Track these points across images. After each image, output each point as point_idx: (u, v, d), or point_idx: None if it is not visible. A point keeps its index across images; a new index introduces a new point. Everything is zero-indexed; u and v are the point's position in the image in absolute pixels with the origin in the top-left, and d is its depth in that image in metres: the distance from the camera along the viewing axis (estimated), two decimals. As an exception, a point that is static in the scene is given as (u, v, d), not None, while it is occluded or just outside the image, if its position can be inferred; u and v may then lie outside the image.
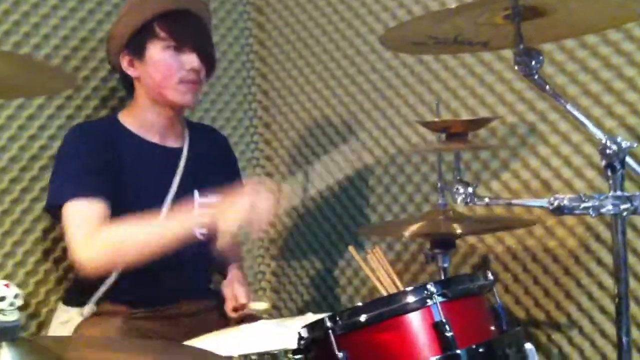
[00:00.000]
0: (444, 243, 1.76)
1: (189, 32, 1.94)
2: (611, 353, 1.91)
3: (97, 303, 1.93)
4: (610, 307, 1.91)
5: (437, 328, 1.14)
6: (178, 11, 1.94)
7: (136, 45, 1.94)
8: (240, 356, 1.43)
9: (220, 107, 2.60)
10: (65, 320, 1.97)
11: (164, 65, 1.92)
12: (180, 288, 2.00)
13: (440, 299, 1.15)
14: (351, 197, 2.44)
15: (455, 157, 1.73)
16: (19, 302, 1.01)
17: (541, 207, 1.49)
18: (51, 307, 2.10)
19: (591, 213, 1.38)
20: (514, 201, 1.61)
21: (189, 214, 1.88)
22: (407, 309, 1.16)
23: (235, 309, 1.97)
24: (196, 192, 2.02)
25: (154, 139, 2.01)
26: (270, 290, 2.76)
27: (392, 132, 2.31)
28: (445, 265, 1.80)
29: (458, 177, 1.65)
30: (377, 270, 2.08)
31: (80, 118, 2.19)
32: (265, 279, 2.76)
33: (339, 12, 2.42)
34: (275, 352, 1.42)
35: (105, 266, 1.85)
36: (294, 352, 1.34)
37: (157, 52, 1.92)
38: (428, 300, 1.15)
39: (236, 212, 1.75)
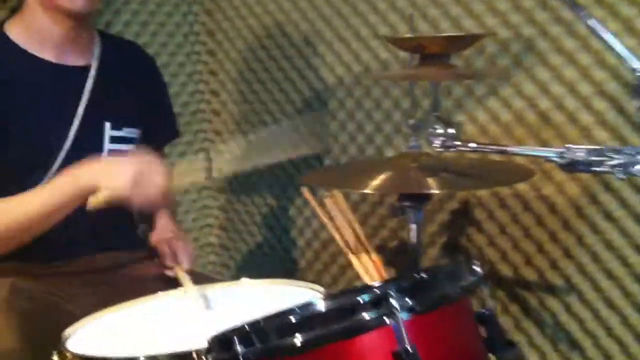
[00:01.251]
0: (416, 196, 1.38)
1: None
2: (618, 326, 1.57)
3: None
4: (619, 272, 1.56)
5: (398, 357, 0.77)
6: None
7: None
8: (146, 357, 1.10)
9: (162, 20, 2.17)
10: None
11: None
12: (90, 237, 1.62)
13: (405, 314, 0.77)
14: (312, 124, 2.03)
15: (433, 85, 1.31)
16: None
17: (547, 158, 1.12)
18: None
19: (618, 174, 1.01)
20: (511, 148, 1.22)
21: (61, 183, 1.48)
22: (357, 330, 0.78)
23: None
24: (107, 124, 1.62)
25: (50, 56, 1.58)
26: (217, 228, 2.41)
27: (357, 47, 1.89)
28: (417, 222, 1.43)
29: (436, 114, 1.25)
30: (335, 218, 1.72)
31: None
32: (213, 215, 2.40)
33: None
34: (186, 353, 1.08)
35: None
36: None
37: None
38: (387, 318, 0.77)
39: (122, 177, 1.37)
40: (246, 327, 0.82)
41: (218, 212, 2.40)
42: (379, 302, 0.78)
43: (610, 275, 1.57)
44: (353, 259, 1.71)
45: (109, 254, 1.65)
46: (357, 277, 1.98)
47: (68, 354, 1.17)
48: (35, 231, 1.48)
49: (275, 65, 2.11)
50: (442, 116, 1.22)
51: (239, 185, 2.31)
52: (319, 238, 2.11)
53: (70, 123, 1.57)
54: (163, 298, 1.42)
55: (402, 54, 1.75)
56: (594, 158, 1.05)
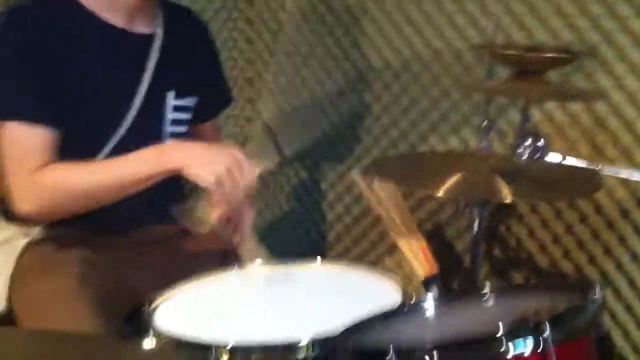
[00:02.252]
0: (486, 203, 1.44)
1: None
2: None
3: (49, 225, 1.58)
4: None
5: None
6: None
7: None
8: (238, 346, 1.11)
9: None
10: (5, 240, 1.63)
11: None
12: (153, 209, 1.61)
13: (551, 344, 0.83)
14: (352, 104, 2.07)
15: (526, 101, 1.35)
16: None
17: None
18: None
19: None
20: (606, 169, 1.27)
21: (147, 157, 1.48)
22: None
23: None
24: (170, 93, 1.62)
25: (119, 22, 1.57)
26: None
27: (409, 32, 1.90)
28: (481, 219, 1.49)
29: (527, 126, 1.29)
30: (385, 202, 1.77)
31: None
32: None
33: None
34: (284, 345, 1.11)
35: (43, 218, 1.55)
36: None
37: None
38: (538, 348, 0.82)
39: (211, 167, 1.40)
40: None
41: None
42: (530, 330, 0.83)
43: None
44: (401, 243, 1.77)
45: (168, 226, 1.64)
46: (387, 253, 2.07)
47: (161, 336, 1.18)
48: (106, 199, 1.49)
49: (319, 40, 2.11)
50: (531, 128, 1.25)
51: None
52: (350, 213, 2.15)
53: (136, 91, 1.57)
54: (237, 275, 1.41)
55: (456, 44, 1.79)
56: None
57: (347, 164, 2.10)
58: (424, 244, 1.77)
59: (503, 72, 1.42)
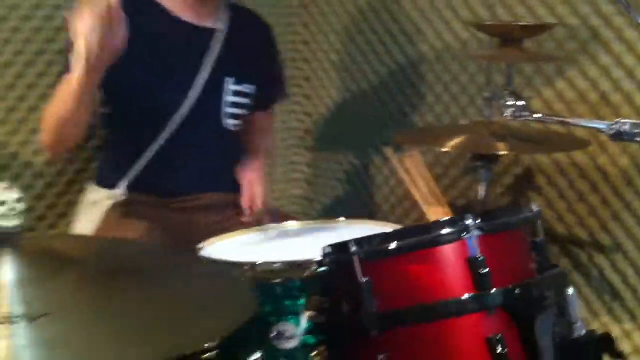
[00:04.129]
0: (486, 157, 1.64)
1: None
2: (655, 281, 1.82)
3: (128, 188, 1.86)
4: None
5: (471, 263, 1.05)
6: None
7: None
8: (264, 263, 1.36)
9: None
10: (95, 201, 1.93)
11: None
12: (210, 178, 1.92)
13: (477, 232, 1.05)
14: (392, 94, 2.31)
15: (508, 66, 1.57)
16: (21, 206, 0.94)
17: (598, 129, 1.37)
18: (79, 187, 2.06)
19: (656, 143, 1.25)
20: (569, 120, 1.47)
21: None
22: (440, 241, 1.07)
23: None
24: (229, 79, 1.91)
25: (187, 16, 1.87)
26: (303, 182, 2.70)
27: (443, 29, 2.15)
28: (487, 180, 1.69)
29: (510, 88, 1.50)
30: (414, 177, 1.99)
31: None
32: (299, 170, 2.69)
33: None
34: (301, 262, 1.36)
35: (51, 148, 1.81)
36: (319, 263, 1.29)
37: None
38: (464, 234, 1.05)
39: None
40: (359, 238, 1.11)
41: (304, 168, 2.69)
42: (457, 222, 1.06)
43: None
44: (427, 211, 1.98)
45: (222, 194, 1.93)
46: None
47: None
48: (73, 111, 1.65)
49: (364, 39, 2.37)
50: (514, 91, 1.46)
51: (325, 143, 2.59)
52: (395, 194, 2.37)
53: (198, 75, 1.84)
54: (274, 229, 1.69)
55: (481, 36, 2.01)
56: (637, 130, 1.29)
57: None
58: (447, 209, 1.99)
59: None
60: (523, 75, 1.91)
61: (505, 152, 1.58)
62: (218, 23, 1.91)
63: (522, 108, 1.45)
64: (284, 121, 2.60)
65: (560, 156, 1.92)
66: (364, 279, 1.08)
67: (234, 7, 1.98)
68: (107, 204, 1.89)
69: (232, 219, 1.89)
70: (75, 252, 1.07)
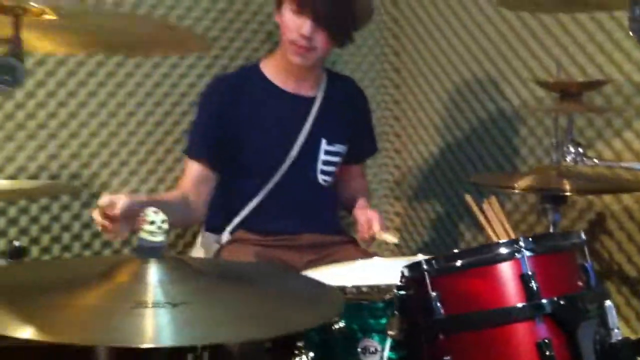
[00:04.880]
0: (554, 198, 1.83)
1: None
2: None
3: (232, 231, 2.16)
4: None
5: (523, 278, 1.26)
6: None
7: None
8: (352, 287, 1.60)
9: (353, 51, 2.72)
10: (206, 245, 2.22)
11: (284, 23, 2.06)
12: (305, 222, 2.19)
13: (528, 253, 1.26)
14: (472, 145, 2.54)
15: (568, 117, 1.78)
16: (165, 226, 1.23)
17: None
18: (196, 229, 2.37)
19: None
20: (622, 164, 1.65)
21: None
22: (497, 259, 1.28)
23: (366, 236, 2.11)
24: (324, 140, 2.18)
25: (288, 87, 2.17)
26: (394, 229, 2.92)
27: (507, 89, 2.39)
28: (556, 219, 1.88)
29: (570, 137, 1.71)
30: (492, 220, 2.19)
31: (217, 67, 2.42)
32: (389, 218, 2.92)
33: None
34: (383, 286, 1.59)
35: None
36: (398, 287, 1.51)
37: (285, 9, 2.06)
38: (517, 254, 1.27)
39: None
40: (429, 258, 1.34)
41: (394, 216, 2.92)
42: (512, 244, 1.28)
43: None
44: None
45: (322, 235, 2.20)
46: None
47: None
48: None
49: (449, 97, 2.62)
50: (574, 138, 1.67)
51: (413, 193, 2.82)
52: (476, 240, 2.57)
53: (296, 138, 2.14)
54: (362, 263, 1.91)
55: (541, 95, 2.24)
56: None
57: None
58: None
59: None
60: (594, 129, 2.10)
61: (569, 192, 1.76)
62: (316, 91, 2.19)
63: (581, 154, 1.64)
64: (376, 174, 2.86)
65: (631, 202, 2.08)
66: (434, 292, 1.31)
67: (330, 74, 2.26)
68: (215, 247, 2.18)
69: (326, 257, 2.14)
70: (200, 265, 1.35)
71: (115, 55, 2.16)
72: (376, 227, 2.05)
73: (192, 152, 2.12)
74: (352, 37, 2.16)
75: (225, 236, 2.16)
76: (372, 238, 2.08)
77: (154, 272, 1.19)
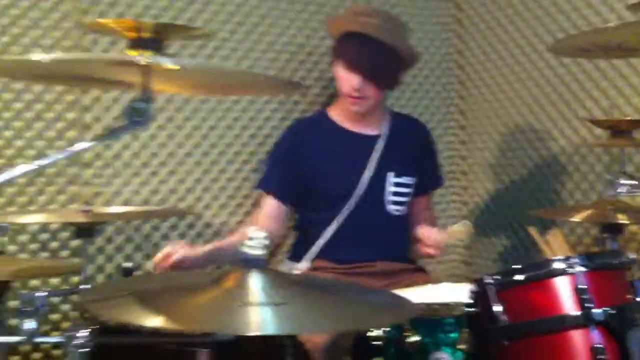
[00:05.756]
0: (612, 229, 1.98)
1: (359, 56, 2.24)
2: None
3: (311, 260, 2.36)
4: None
5: (577, 290, 1.42)
6: (359, 34, 2.26)
7: (332, 53, 2.37)
8: (424, 304, 1.77)
9: (421, 95, 2.94)
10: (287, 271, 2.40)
11: (337, 77, 2.32)
12: (377, 251, 2.37)
13: (582, 268, 1.43)
14: (536, 180, 2.70)
15: (621, 152, 1.93)
16: (265, 242, 1.44)
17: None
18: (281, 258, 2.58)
19: None
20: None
21: None
22: (554, 274, 1.45)
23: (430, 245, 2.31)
24: (391, 173, 2.38)
25: (353, 127, 2.40)
26: (460, 262, 3.08)
27: (566, 128, 2.56)
28: (614, 248, 2.02)
29: (623, 170, 1.86)
30: (556, 250, 2.33)
31: (297, 113, 2.65)
32: (457, 251, 3.08)
33: (530, 9, 2.68)
34: (453, 303, 1.77)
35: None
36: (467, 305, 1.69)
37: (337, 66, 2.32)
38: (570, 269, 1.44)
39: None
40: (492, 272, 1.52)
41: (461, 250, 3.08)
42: (566, 260, 1.45)
43: None
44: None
45: (394, 263, 2.38)
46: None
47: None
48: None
49: (512, 138, 2.79)
50: (626, 172, 1.83)
51: (480, 228, 2.97)
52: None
53: (363, 174, 2.35)
54: (432, 287, 2.10)
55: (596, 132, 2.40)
56: None
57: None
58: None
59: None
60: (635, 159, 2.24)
61: (626, 222, 1.91)
62: (379, 129, 2.41)
63: (635, 186, 1.80)
64: (444, 210, 3.03)
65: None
66: (498, 304, 1.48)
67: (393, 114, 2.49)
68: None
69: (398, 283, 2.30)
70: (292, 276, 1.57)
71: (216, 96, 2.44)
72: (437, 237, 2.28)
73: (263, 186, 2.38)
74: (400, 80, 2.40)
75: (305, 264, 2.36)
76: (440, 244, 2.29)
77: (255, 280, 1.40)
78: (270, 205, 2.34)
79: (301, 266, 2.35)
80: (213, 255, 2.14)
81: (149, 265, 2.01)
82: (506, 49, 2.79)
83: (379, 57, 2.25)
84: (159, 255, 1.95)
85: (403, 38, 2.34)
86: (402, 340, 1.74)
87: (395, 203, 2.40)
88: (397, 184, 2.40)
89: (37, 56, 1.58)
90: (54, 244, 2.31)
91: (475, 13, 2.90)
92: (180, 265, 1.95)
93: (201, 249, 2.12)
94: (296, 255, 2.42)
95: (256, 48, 2.59)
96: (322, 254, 2.36)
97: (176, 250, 1.96)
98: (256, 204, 2.46)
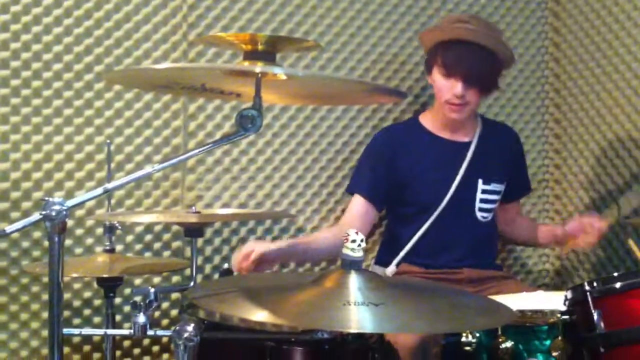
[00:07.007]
0: None
1: (460, 62, 2.26)
2: None
3: (398, 264, 2.39)
4: None
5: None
6: (458, 41, 2.29)
7: (428, 63, 2.40)
8: (518, 310, 1.78)
9: (515, 103, 2.92)
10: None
11: (437, 86, 2.34)
12: (465, 257, 2.39)
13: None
14: (631, 190, 2.66)
15: None
16: (363, 244, 1.50)
17: None
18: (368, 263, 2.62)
19: None
20: None
21: None
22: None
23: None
24: (480, 181, 2.40)
25: (445, 135, 2.43)
26: (553, 272, 3.04)
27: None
28: None
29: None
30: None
31: (389, 121, 2.70)
32: (550, 262, 3.05)
33: (629, 16, 2.63)
34: (547, 311, 1.77)
35: None
36: (562, 312, 1.69)
37: (435, 74, 2.34)
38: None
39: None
40: (591, 280, 1.52)
41: (554, 260, 3.04)
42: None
43: None
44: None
45: (482, 270, 2.40)
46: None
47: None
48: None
49: (613, 135, 2.72)
50: None
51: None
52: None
53: (453, 179, 2.37)
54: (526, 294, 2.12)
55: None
56: None
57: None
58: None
59: None
60: None
61: None
62: (471, 136, 2.43)
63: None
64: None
65: None
66: (595, 310, 1.49)
67: (485, 120, 2.50)
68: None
69: (485, 290, 2.32)
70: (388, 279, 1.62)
71: (314, 105, 2.53)
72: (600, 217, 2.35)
73: (354, 187, 2.43)
74: (499, 85, 2.42)
75: (392, 268, 2.40)
76: (603, 229, 2.36)
77: (354, 280, 1.46)
78: (360, 206, 2.39)
79: (389, 270, 2.39)
80: (296, 249, 2.21)
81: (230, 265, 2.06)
82: (604, 57, 2.75)
83: (480, 62, 2.28)
84: (238, 256, 2.01)
85: (501, 41, 2.36)
86: (495, 347, 1.76)
87: (483, 210, 2.41)
88: (486, 191, 2.42)
89: (160, 65, 1.70)
90: (157, 245, 2.45)
91: (573, 21, 2.87)
92: (263, 262, 2.00)
93: (279, 243, 2.19)
94: (383, 259, 2.46)
95: (352, 58, 2.66)
96: (409, 259, 2.39)
97: (253, 247, 2.02)
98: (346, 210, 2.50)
